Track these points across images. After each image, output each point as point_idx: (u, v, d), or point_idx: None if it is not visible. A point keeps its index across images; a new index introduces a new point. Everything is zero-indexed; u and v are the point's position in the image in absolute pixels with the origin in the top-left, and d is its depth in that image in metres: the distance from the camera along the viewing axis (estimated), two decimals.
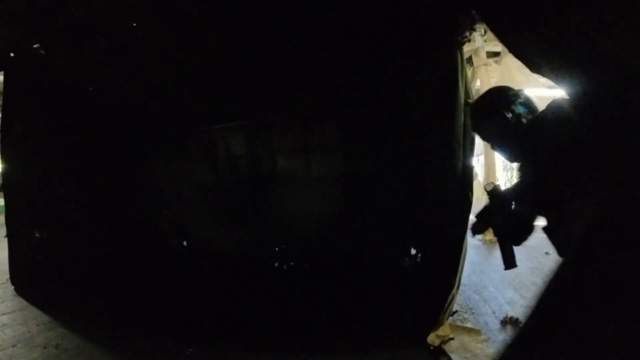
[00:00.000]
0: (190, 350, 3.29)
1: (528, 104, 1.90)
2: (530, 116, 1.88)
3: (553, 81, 1.68)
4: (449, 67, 2.98)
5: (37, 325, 3.79)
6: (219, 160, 4.75)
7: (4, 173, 4.74)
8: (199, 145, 4.79)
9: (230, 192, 4.78)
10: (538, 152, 1.81)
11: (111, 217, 4.89)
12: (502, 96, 1.97)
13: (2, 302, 4.37)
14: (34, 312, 4.11)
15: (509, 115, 1.88)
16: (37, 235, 4.71)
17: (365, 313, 3.57)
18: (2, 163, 4.69)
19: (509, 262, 2.03)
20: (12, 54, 4.16)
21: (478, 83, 7.41)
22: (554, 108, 1.77)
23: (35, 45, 3.82)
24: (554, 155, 1.71)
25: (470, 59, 6.93)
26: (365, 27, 3.20)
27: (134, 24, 3.29)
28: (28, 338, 3.54)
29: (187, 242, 5.30)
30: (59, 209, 4.69)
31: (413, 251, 3.66)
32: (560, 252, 1.81)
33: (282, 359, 3.20)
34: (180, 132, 4.89)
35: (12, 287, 4.76)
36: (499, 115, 1.90)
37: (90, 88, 4.44)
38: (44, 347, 3.38)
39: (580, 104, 1.53)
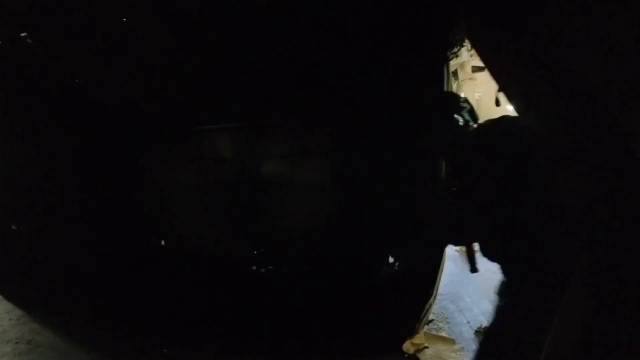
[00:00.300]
0: (165, 350, 3.28)
1: (472, 114, 2.02)
2: (474, 126, 2.00)
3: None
4: (437, 81, 3.07)
5: (10, 320, 3.73)
6: (208, 162, 4.70)
7: None
8: (189, 145, 4.72)
9: (218, 194, 4.72)
10: (482, 169, 1.90)
11: (93, 215, 4.80)
12: (455, 102, 2.09)
13: None
14: (6, 306, 4.03)
15: (459, 120, 2.00)
16: (13, 228, 4.62)
17: (343, 321, 3.57)
18: None
19: (472, 267, 2.12)
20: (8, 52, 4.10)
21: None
22: (504, 127, 1.87)
23: (31, 43, 3.78)
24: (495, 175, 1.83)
25: (455, 73, 7.06)
26: (359, 37, 3.27)
27: (131, 24, 3.30)
28: (1, 332, 3.48)
29: (170, 244, 5.17)
30: (39, 205, 4.60)
31: (392, 259, 3.70)
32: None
33: None
34: (170, 131, 4.83)
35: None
36: (451, 119, 2.02)
37: (84, 85, 4.39)
38: (16, 342, 3.34)
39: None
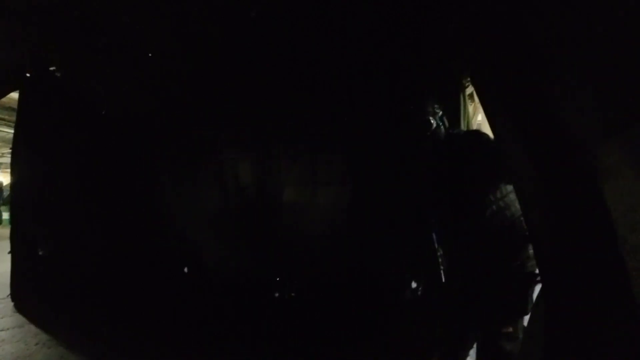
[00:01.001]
0: None
1: (444, 120, 2.17)
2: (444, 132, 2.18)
3: None
4: (454, 105, 3.16)
5: (36, 344, 3.77)
6: (227, 187, 4.78)
7: (13, 190, 4.80)
8: (209, 170, 4.81)
9: (234, 219, 4.78)
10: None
11: (116, 235, 4.89)
12: (430, 106, 2.22)
13: (1, 318, 4.36)
14: (33, 330, 4.09)
15: (433, 122, 2.07)
16: (40, 252, 4.73)
17: (361, 345, 3.53)
18: (12, 179, 4.76)
19: None
20: (27, 72, 4.30)
21: (479, 117, 7.53)
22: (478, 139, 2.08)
23: (50, 61, 3.96)
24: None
25: (472, 95, 7.07)
26: (379, 62, 3.38)
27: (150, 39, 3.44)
28: (26, 356, 3.53)
29: (187, 265, 5.22)
30: (63, 227, 4.71)
31: (414, 284, 3.69)
32: None
33: None
34: (191, 155, 4.93)
35: (12, 304, 4.75)
36: (426, 120, 2.15)
37: (104, 103, 4.55)
38: None
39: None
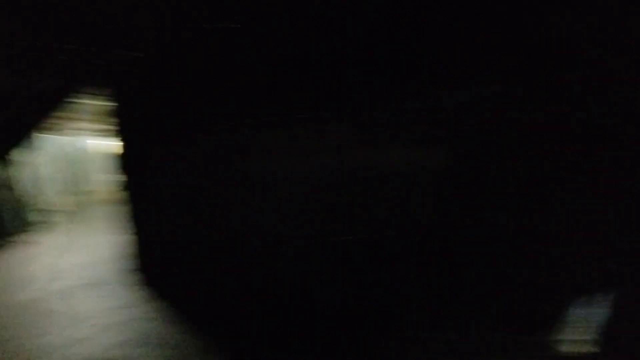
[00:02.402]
0: None
1: None
2: None
3: None
4: None
5: (166, 321, 3.73)
6: (315, 153, 4.46)
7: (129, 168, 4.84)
8: (296, 137, 4.50)
9: (325, 187, 4.47)
10: None
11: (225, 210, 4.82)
12: None
13: (131, 293, 4.43)
14: (162, 305, 4.08)
15: None
16: (164, 226, 4.75)
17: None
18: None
19: None
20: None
21: None
22: None
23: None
24: None
25: None
26: None
27: None
28: (157, 336, 3.47)
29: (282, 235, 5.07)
30: (186, 201, 4.66)
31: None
32: None
33: None
34: (276, 122, 4.67)
35: (141, 276, 4.85)
36: None
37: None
38: (174, 348, 3.27)
39: None
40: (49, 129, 14.44)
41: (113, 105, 4.88)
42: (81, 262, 5.82)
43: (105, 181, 16.42)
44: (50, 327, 3.76)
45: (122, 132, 4.80)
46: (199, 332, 3.53)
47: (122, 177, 4.94)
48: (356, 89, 4.10)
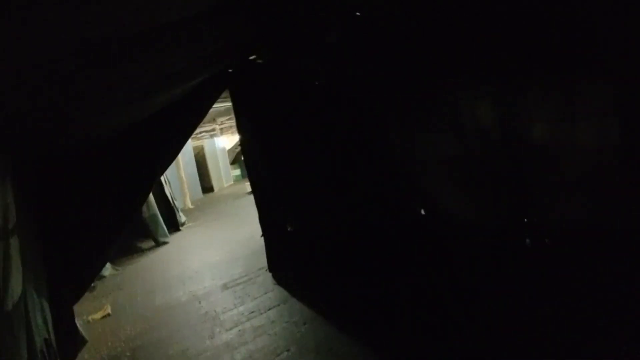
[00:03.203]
0: None
1: None
2: None
3: None
4: None
5: (304, 323, 3.72)
6: (464, 130, 4.06)
7: (254, 175, 4.94)
8: (442, 114, 4.13)
9: (477, 162, 4.13)
10: None
11: (354, 201, 4.73)
12: None
13: (266, 293, 4.51)
14: (296, 306, 4.08)
15: None
16: (288, 229, 4.76)
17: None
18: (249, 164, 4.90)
19: None
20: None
21: None
22: None
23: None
24: None
25: None
26: None
27: None
28: (299, 339, 3.45)
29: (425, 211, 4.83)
30: (305, 203, 4.68)
31: None
32: None
33: None
34: (421, 101, 4.38)
35: (270, 275, 4.92)
36: None
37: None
38: (317, 353, 3.17)
39: None
40: None
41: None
42: (219, 260, 6.19)
43: (235, 178, 17.50)
44: (200, 328, 4.00)
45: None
46: (337, 335, 3.42)
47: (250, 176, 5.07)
48: None
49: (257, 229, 5.18)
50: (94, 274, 3.77)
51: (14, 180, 2.47)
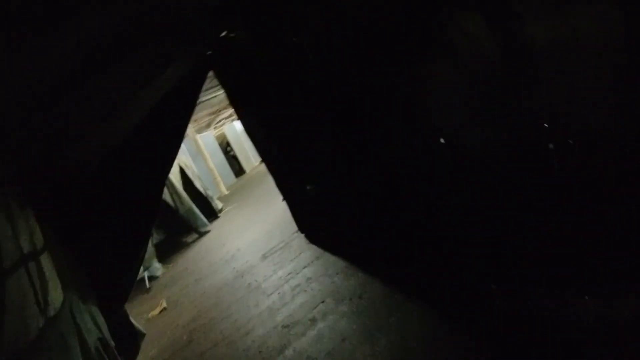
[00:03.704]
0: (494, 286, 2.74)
1: None
2: None
3: None
4: None
5: (337, 274, 3.87)
6: (461, 48, 3.89)
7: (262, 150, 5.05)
8: (434, 39, 4.00)
9: (486, 81, 3.94)
10: None
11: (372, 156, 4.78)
12: None
13: (300, 254, 4.71)
14: (330, 259, 4.23)
15: None
16: (308, 188, 4.87)
17: None
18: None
19: None
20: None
21: None
22: None
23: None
24: None
25: None
26: None
27: None
28: (333, 290, 3.61)
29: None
30: (320, 166, 4.79)
31: None
32: None
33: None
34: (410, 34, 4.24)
35: (303, 236, 5.09)
36: None
37: None
38: (350, 299, 3.33)
39: None
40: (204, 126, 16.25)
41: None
42: (257, 235, 6.46)
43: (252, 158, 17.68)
44: (246, 299, 4.28)
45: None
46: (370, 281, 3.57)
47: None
48: None
49: None
50: (133, 274, 4.05)
51: (36, 204, 2.70)
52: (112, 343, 3.01)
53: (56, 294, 2.39)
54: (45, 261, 2.48)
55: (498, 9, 3.76)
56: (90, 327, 2.78)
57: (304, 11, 4.24)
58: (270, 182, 5.37)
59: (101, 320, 3.10)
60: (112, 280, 3.53)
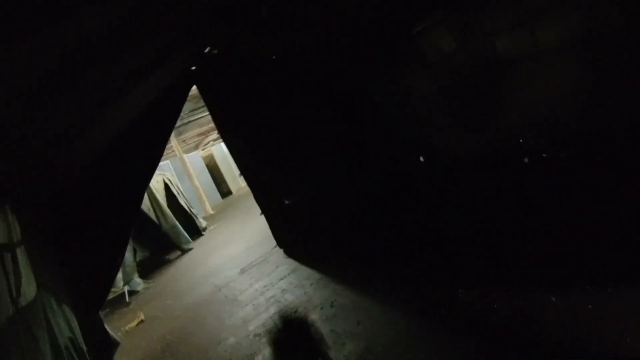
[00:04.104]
0: (460, 291, 2.84)
1: None
2: None
3: None
4: None
5: (311, 284, 3.94)
6: (434, 63, 4.07)
7: (241, 164, 5.16)
8: (408, 52, 4.15)
9: (455, 90, 4.13)
10: None
11: (349, 166, 4.89)
12: None
13: (277, 267, 4.79)
14: (305, 272, 4.32)
15: None
16: (286, 202, 4.98)
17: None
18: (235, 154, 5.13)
19: None
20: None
21: None
22: None
23: None
24: None
25: None
26: None
27: None
28: (306, 301, 3.68)
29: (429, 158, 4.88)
30: (298, 181, 4.89)
31: None
32: None
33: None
34: (386, 44, 4.37)
35: (282, 251, 5.18)
36: None
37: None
38: (321, 308, 3.41)
39: None
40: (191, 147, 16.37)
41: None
42: (238, 251, 6.51)
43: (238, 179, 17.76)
44: (221, 312, 4.33)
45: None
46: (342, 290, 3.67)
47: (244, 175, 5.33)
48: None
49: None
50: (109, 281, 4.07)
51: (14, 204, 2.77)
52: (84, 347, 3.04)
53: (29, 288, 2.45)
54: (21, 255, 2.55)
55: (467, 25, 3.96)
56: (63, 326, 2.81)
57: (281, 31, 4.40)
58: (253, 202, 5.47)
59: (74, 323, 3.13)
60: (87, 285, 3.56)
